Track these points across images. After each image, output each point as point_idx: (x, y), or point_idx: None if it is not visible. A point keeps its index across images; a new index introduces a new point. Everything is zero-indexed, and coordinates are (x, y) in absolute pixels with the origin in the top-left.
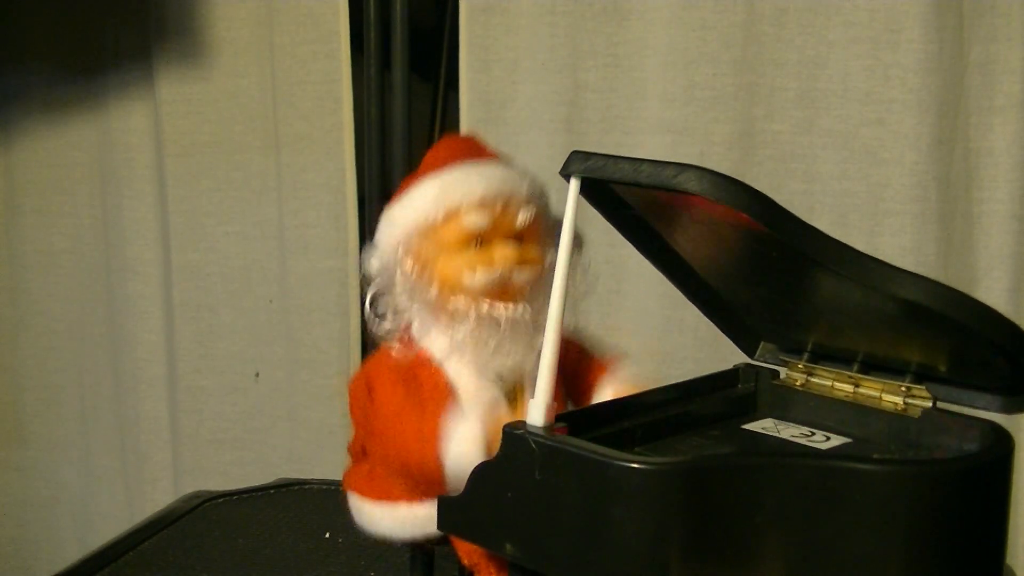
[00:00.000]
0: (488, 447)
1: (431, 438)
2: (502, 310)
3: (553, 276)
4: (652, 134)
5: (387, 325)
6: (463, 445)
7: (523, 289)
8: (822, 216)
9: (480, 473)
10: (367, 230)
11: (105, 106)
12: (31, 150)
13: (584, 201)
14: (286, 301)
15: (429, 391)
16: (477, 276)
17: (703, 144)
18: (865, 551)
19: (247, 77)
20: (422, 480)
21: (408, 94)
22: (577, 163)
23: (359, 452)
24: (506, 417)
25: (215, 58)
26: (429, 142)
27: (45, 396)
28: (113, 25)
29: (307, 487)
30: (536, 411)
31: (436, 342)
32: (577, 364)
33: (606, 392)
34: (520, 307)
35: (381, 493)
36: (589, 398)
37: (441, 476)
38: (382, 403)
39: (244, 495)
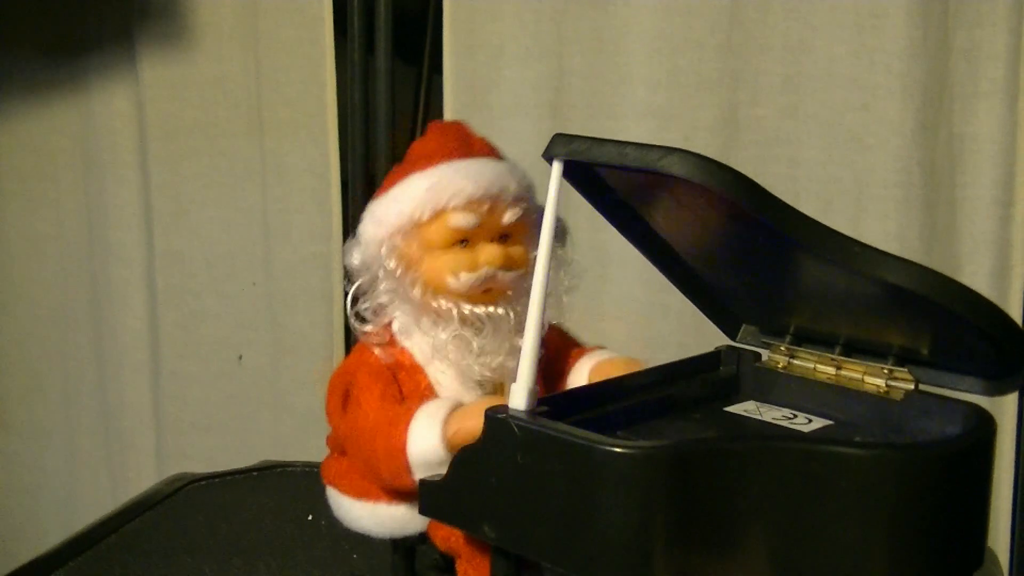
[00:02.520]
0: (450, 445)
1: (398, 443)
2: (485, 311)
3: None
4: (636, 119)
5: (368, 324)
6: (424, 443)
7: (507, 290)
8: (806, 201)
9: (462, 457)
10: (350, 215)
11: (88, 90)
12: (13, 135)
13: (568, 187)
14: (270, 286)
15: (409, 394)
16: (461, 278)
17: (687, 129)
18: (847, 533)
19: (231, 62)
20: (391, 481)
21: (392, 79)
22: (560, 146)
23: (338, 445)
24: (472, 414)
25: (199, 42)
26: (413, 127)
27: (28, 382)
28: (96, 8)
29: (290, 469)
30: (518, 395)
31: (418, 344)
32: (558, 351)
33: (583, 370)
34: (503, 308)
35: (360, 491)
36: (565, 382)
37: (409, 481)
38: (359, 404)
39: (227, 477)
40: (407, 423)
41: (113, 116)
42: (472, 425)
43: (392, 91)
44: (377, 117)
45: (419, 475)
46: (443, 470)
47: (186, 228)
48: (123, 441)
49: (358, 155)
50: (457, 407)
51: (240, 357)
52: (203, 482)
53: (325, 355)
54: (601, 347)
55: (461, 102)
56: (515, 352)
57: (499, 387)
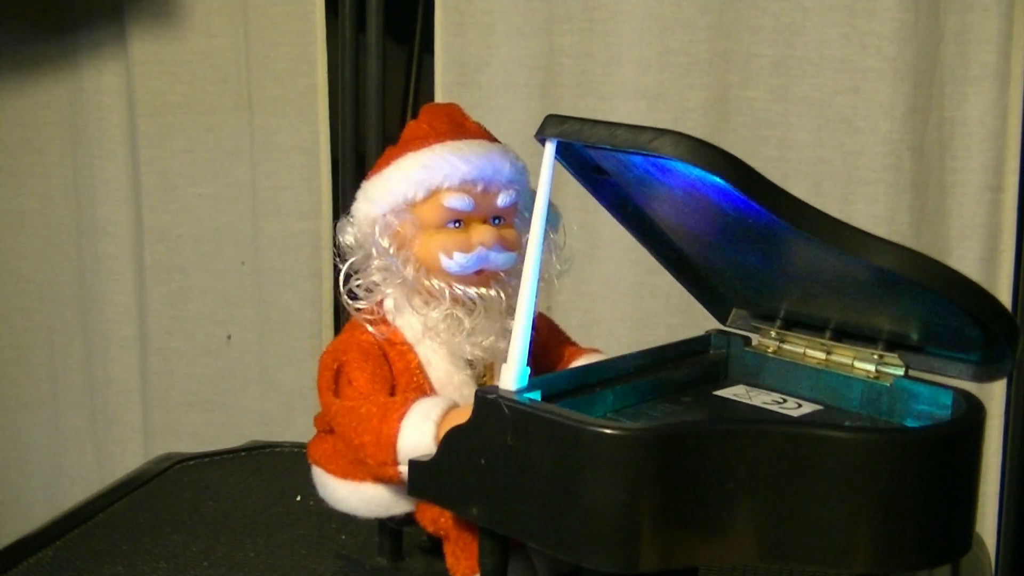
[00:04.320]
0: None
1: (388, 434)
2: (477, 292)
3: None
4: (627, 99)
5: (360, 302)
6: (415, 438)
7: (499, 272)
8: (796, 184)
9: (452, 438)
10: (340, 193)
11: (76, 65)
12: (1, 109)
13: (556, 168)
14: (258, 263)
15: (399, 372)
16: (454, 259)
17: (677, 110)
18: (836, 518)
19: (220, 37)
20: (375, 469)
21: (383, 57)
22: (553, 127)
23: (325, 425)
24: (467, 415)
25: (188, 18)
26: (404, 106)
27: (14, 357)
28: None
29: (278, 450)
30: (509, 376)
31: (409, 322)
32: (545, 345)
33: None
34: (495, 290)
35: (346, 471)
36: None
37: (395, 472)
38: (349, 384)
39: (215, 457)
40: (400, 416)
41: (102, 91)
42: None
43: (383, 69)
44: (367, 95)
45: (405, 469)
46: None
47: (174, 204)
48: (109, 417)
49: (348, 133)
50: (452, 407)
51: (229, 337)
52: (191, 462)
53: (313, 333)
54: (595, 350)
55: (451, 80)
56: (506, 333)
57: (489, 367)
